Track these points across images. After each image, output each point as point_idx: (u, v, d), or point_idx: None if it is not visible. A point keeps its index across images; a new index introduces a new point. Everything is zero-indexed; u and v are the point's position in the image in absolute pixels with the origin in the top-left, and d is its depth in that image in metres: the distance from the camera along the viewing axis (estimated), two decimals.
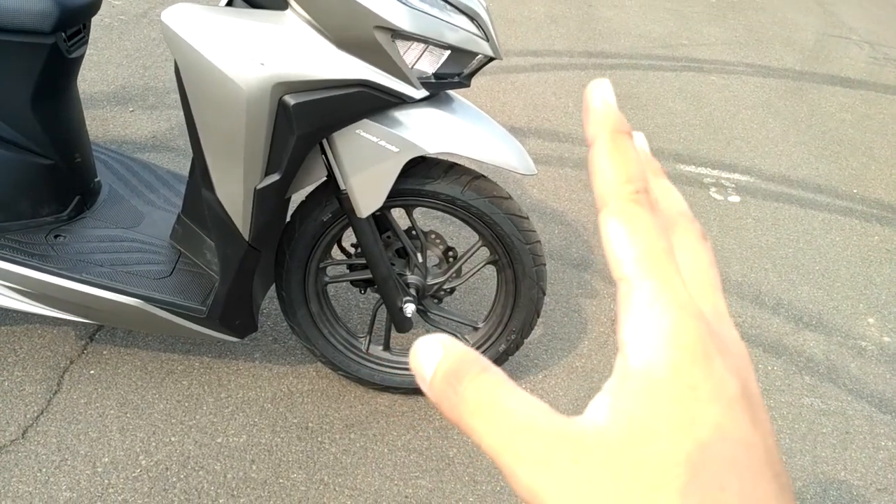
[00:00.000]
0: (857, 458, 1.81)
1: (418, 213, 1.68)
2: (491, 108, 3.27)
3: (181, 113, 2.85)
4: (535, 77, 3.76)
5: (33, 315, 1.65)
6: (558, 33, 4.39)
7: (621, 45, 4.37)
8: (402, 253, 1.67)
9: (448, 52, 1.33)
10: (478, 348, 1.72)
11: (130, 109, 2.81)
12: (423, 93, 1.31)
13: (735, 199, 2.93)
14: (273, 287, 1.72)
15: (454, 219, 1.59)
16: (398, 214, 1.68)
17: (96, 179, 1.67)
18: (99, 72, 3.02)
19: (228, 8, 1.25)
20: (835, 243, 2.73)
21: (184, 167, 2.53)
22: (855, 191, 3.13)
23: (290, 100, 1.24)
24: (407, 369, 1.76)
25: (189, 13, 1.22)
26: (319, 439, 1.68)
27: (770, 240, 2.68)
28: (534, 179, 2.80)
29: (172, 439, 1.62)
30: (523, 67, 3.84)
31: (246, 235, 1.40)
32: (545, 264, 1.61)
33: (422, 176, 1.49)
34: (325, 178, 1.48)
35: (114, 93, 2.91)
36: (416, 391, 1.79)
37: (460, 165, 1.53)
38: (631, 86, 3.82)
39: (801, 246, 2.68)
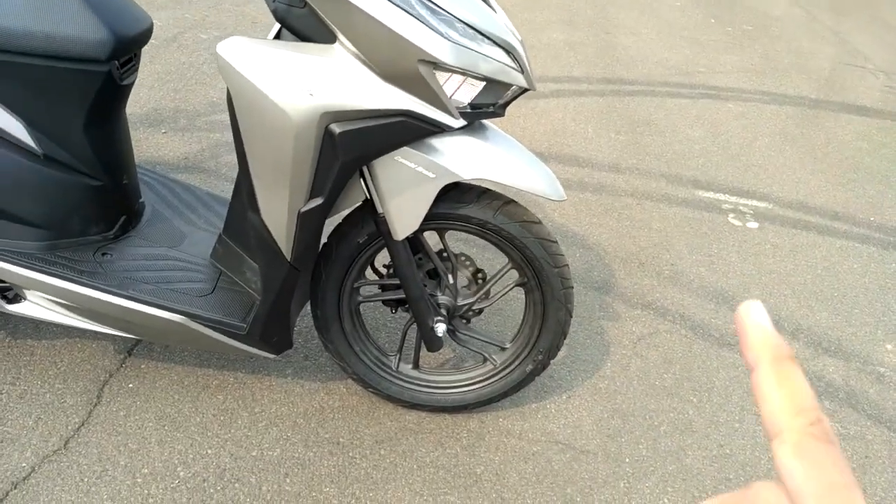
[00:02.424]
0: (876, 481, 1.84)
1: (448, 235, 1.73)
2: (512, 134, 3.33)
3: (211, 135, 2.94)
4: (555, 103, 3.83)
5: (73, 329, 1.71)
6: (577, 60, 4.46)
7: (639, 72, 4.44)
8: (434, 274, 1.72)
9: (484, 83, 1.39)
10: (505, 368, 1.77)
11: (163, 131, 2.89)
12: (461, 122, 1.37)
13: (753, 225, 2.97)
14: (306, 305, 1.77)
15: (482, 241, 1.64)
16: (429, 236, 1.73)
17: (140, 200, 1.74)
18: (132, 94, 3.10)
19: (279, 41, 1.32)
20: (853, 270, 2.76)
21: (215, 187, 2.61)
22: (872, 218, 3.16)
23: (337, 128, 1.30)
24: (435, 387, 1.81)
25: (242, 46, 1.29)
26: (350, 454, 1.72)
27: (788, 266, 2.72)
28: (555, 204, 2.85)
29: (209, 452, 1.67)
30: (543, 94, 3.91)
31: (288, 256, 1.46)
32: (573, 287, 1.66)
33: (455, 200, 1.55)
34: (362, 202, 1.53)
35: (146, 115, 2.99)
36: (443, 409, 1.83)
37: (492, 191, 1.58)
38: (649, 112, 3.88)
39: (820, 272, 2.71)
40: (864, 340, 2.37)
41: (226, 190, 2.59)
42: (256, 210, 1.43)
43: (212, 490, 1.59)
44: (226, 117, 3.08)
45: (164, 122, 2.94)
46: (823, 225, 3.05)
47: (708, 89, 4.36)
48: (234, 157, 2.81)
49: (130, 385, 1.79)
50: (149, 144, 2.79)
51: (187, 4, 4.21)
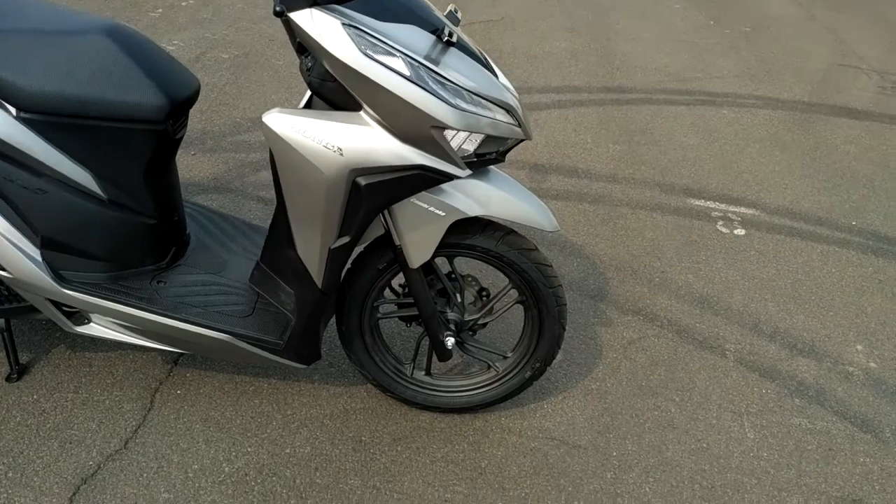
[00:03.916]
0: (837, 472, 2.08)
1: (457, 259, 1.97)
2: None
3: (237, 155, 3.19)
4: (556, 114, 4.05)
5: (126, 343, 1.96)
6: (577, 69, 4.68)
7: (638, 79, 4.65)
8: (443, 293, 1.96)
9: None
10: (506, 374, 2.02)
11: (192, 153, 3.14)
12: (467, 172, 1.62)
13: (740, 232, 3.19)
14: (332, 320, 2.02)
15: (486, 265, 1.89)
16: (440, 260, 1.97)
17: (187, 232, 1.99)
18: None
19: (312, 111, 1.57)
20: (831, 274, 2.99)
21: (242, 206, 2.85)
22: (854, 223, 3.38)
23: (362, 181, 1.55)
24: (445, 391, 2.06)
25: (283, 116, 1.54)
26: (371, 451, 1.98)
27: (771, 272, 2.95)
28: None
29: (249, 450, 1.93)
30: (545, 104, 4.14)
31: (319, 284, 1.71)
32: (566, 304, 1.91)
33: (462, 232, 1.79)
34: (381, 234, 1.78)
35: None
36: (451, 410, 2.08)
37: (494, 223, 1.83)
38: (646, 121, 4.10)
39: (800, 277, 2.94)
40: (836, 342, 2.60)
41: (252, 209, 2.84)
42: (293, 247, 1.69)
43: (253, 483, 1.85)
44: (248, 137, 3.33)
45: (192, 144, 3.19)
46: (807, 230, 3.28)
47: (704, 95, 4.57)
48: (257, 177, 3.06)
49: (178, 391, 2.05)
50: (180, 167, 3.04)
51: (207, 24, 4.45)
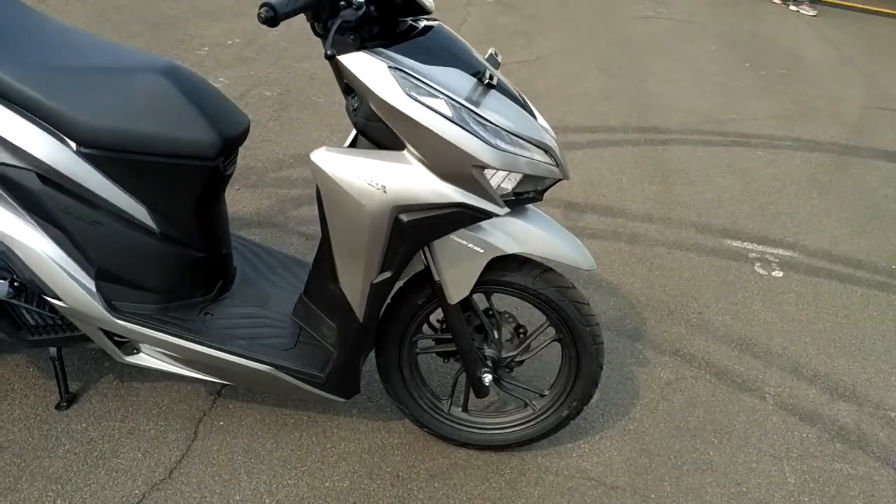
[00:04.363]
0: None
1: (494, 296, 2.00)
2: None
3: (279, 191, 3.26)
4: (592, 153, 4.09)
5: (172, 374, 2.00)
6: (611, 109, 4.72)
7: (672, 120, 4.68)
8: (481, 329, 1.99)
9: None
10: (543, 413, 2.03)
11: (237, 188, 3.22)
12: (506, 210, 1.65)
13: (778, 273, 3.18)
14: (370, 356, 2.05)
15: (525, 302, 1.91)
16: (478, 297, 2.00)
17: (233, 265, 2.05)
18: None
19: (358, 150, 1.62)
20: (871, 318, 2.95)
21: (284, 240, 2.91)
22: (894, 266, 3.34)
23: (405, 218, 1.59)
24: (482, 428, 2.07)
25: (330, 154, 1.59)
26: (409, 486, 1.99)
27: (810, 314, 2.92)
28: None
29: (289, 482, 1.95)
30: (580, 144, 4.18)
31: (361, 318, 1.75)
32: (603, 343, 1.92)
33: (501, 269, 1.82)
34: (421, 269, 1.81)
35: None
36: (488, 447, 2.09)
37: (532, 260, 1.85)
38: (681, 161, 4.12)
39: (840, 320, 2.91)
40: (878, 386, 2.56)
41: (294, 243, 2.90)
42: (336, 281, 1.73)
43: None
44: (290, 173, 3.41)
45: (236, 180, 3.28)
46: (845, 273, 3.25)
47: (740, 137, 4.58)
48: (298, 213, 3.13)
49: (221, 423, 2.09)
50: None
51: (251, 62, 4.59)
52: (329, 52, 1.48)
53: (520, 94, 1.75)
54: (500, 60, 1.81)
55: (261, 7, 1.36)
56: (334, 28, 1.44)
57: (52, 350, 1.97)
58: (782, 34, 7.08)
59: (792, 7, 8.07)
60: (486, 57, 1.77)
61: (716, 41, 6.53)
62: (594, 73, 5.35)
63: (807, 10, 7.96)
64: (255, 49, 4.80)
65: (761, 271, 3.18)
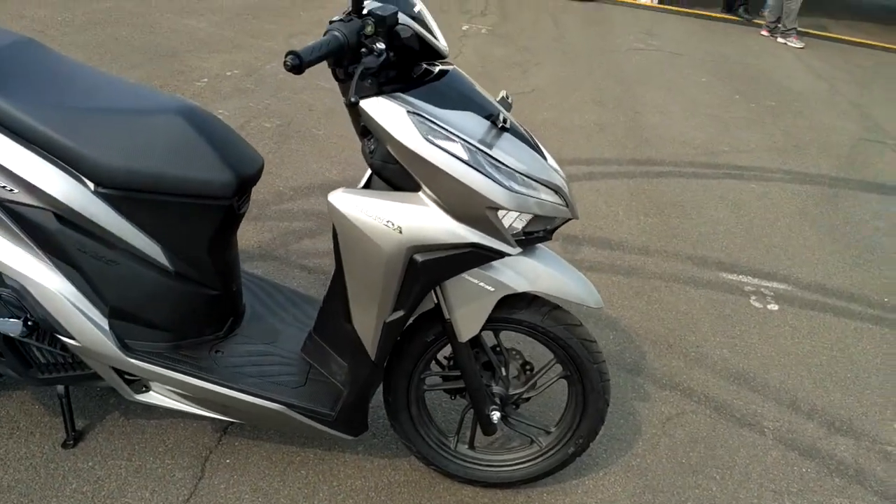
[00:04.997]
0: None
1: (501, 333, 2.02)
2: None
3: (280, 224, 3.28)
4: (588, 186, 4.14)
5: (180, 412, 2.00)
6: (607, 141, 4.79)
7: (666, 152, 4.75)
8: (488, 366, 2.01)
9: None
10: (549, 450, 2.04)
11: None
12: (517, 250, 1.68)
13: (774, 307, 3.22)
14: (378, 393, 2.06)
15: (532, 339, 1.93)
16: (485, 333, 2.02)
17: (243, 303, 2.06)
18: None
19: (373, 191, 1.65)
20: (866, 351, 2.99)
21: (286, 275, 2.93)
22: (886, 300, 3.40)
23: (419, 257, 1.62)
24: (488, 465, 2.09)
25: (347, 195, 1.62)
26: None
27: (806, 348, 2.96)
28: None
29: None
30: (577, 176, 4.23)
31: (372, 356, 1.77)
32: (610, 380, 1.94)
33: (509, 307, 1.85)
34: (431, 307, 1.84)
35: None
36: (494, 485, 2.10)
37: (541, 298, 1.88)
38: (675, 194, 4.17)
39: (835, 354, 2.95)
40: (873, 420, 2.60)
41: (296, 276, 2.92)
42: (349, 320, 1.75)
43: None
44: (291, 206, 3.43)
45: None
46: (840, 307, 3.30)
47: (732, 169, 4.65)
48: (299, 245, 3.15)
49: (227, 461, 2.09)
50: None
51: (250, 94, 4.63)
52: (353, 100, 1.52)
53: (530, 135, 1.79)
54: (511, 102, 1.85)
55: (287, 55, 1.39)
56: (357, 74, 1.48)
57: (60, 388, 1.97)
58: (771, 66, 7.21)
59: (780, 39, 8.23)
60: (497, 99, 1.82)
61: (706, 73, 6.65)
62: (589, 104, 5.43)
63: (794, 43, 8.12)
64: (253, 81, 4.85)
65: (757, 304, 3.23)
